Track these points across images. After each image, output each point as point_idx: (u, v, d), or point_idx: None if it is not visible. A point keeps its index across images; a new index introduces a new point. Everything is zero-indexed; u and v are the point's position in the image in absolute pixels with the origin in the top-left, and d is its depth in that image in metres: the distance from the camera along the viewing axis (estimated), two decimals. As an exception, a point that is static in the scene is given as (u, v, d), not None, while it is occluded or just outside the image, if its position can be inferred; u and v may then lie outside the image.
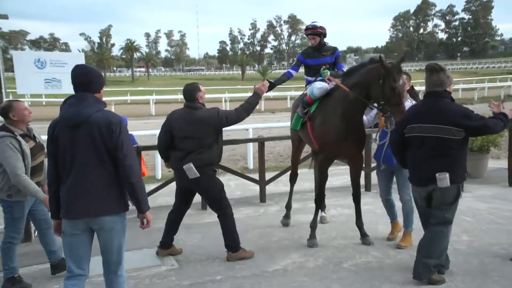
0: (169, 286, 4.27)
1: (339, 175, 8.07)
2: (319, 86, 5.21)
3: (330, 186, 7.63)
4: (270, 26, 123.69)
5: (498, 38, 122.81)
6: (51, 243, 4.49)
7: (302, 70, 5.89)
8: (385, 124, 4.59)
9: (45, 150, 3.90)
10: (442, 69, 4.00)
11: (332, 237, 5.25)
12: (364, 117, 5.17)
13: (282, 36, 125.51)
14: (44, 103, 26.36)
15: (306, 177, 6.60)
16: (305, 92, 5.57)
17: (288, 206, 6.09)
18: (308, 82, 5.61)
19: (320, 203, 5.40)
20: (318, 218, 6.03)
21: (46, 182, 3.56)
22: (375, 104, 4.70)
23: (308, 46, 5.84)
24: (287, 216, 6.00)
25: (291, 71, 5.76)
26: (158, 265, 4.74)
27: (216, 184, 4.79)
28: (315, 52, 5.56)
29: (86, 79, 3.17)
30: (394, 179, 5.13)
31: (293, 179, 6.28)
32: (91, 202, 3.09)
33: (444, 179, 3.92)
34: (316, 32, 5.48)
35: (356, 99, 4.79)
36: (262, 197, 7.17)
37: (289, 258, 4.82)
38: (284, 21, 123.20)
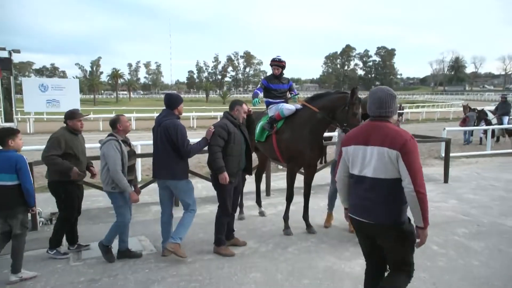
0: (149, 267, 4.19)
1: (284, 178, 8.06)
2: (288, 108, 5.26)
3: (278, 187, 7.71)
4: (229, 59, 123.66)
5: (399, 76, 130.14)
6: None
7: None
8: None
9: (136, 155, 4.70)
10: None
11: (280, 228, 5.30)
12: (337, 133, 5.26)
13: (239, 68, 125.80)
14: (45, 119, 26.22)
15: (253, 179, 6.39)
16: (266, 111, 5.61)
17: (240, 204, 5.80)
18: (268, 104, 5.59)
19: (290, 201, 5.28)
20: (258, 213, 6.06)
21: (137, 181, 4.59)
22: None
23: (268, 75, 5.78)
24: (241, 212, 5.89)
25: (258, 91, 5.58)
26: (140, 250, 4.62)
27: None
28: (275, 79, 5.58)
29: (167, 101, 4.31)
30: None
31: None
32: (163, 170, 4.24)
33: None
34: (281, 64, 5.54)
35: (324, 119, 4.89)
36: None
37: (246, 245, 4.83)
38: (241, 56, 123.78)
